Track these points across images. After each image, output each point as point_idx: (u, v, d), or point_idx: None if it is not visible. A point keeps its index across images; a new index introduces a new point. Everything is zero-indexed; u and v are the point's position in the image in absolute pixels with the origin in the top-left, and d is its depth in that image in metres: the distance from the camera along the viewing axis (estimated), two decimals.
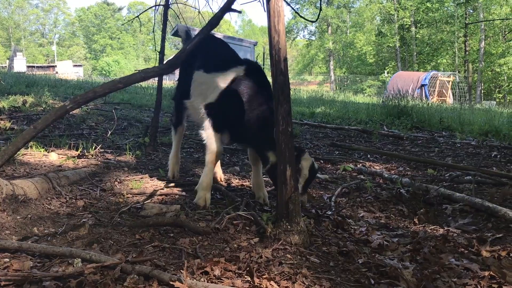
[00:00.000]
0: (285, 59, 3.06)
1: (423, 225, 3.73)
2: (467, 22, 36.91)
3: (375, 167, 6.22)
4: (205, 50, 4.08)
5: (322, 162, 6.48)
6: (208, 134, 3.75)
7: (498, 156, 7.08)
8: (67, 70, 45.16)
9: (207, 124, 3.75)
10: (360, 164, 6.20)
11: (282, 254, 2.78)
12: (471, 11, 40.06)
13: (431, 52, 42.73)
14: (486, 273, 2.65)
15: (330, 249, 3.00)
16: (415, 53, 44.15)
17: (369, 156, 7.09)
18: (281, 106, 3.04)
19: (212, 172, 3.82)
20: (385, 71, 42.05)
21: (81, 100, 2.97)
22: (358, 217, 3.83)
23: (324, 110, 14.59)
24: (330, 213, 3.79)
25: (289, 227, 2.99)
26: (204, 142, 3.80)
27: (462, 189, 4.68)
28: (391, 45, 41.41)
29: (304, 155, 3.63)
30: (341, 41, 44.70)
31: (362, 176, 5.46)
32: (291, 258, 2.73)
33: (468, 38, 39.99)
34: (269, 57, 3.10)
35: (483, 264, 2.81)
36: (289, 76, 3.30)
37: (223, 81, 3.76)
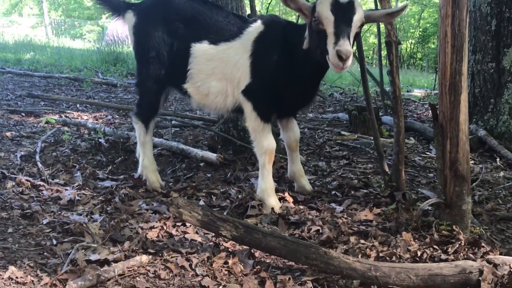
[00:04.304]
0: None
1: (121, 172, 3.73)
2: None
3: (83, 117, 5.93)
4: (193, 15, 3.13)
5: (24, 115, 5.84)
6: (255, 125, 2.96)
7: None
8: None
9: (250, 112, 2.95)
10: (66, 115, 5.82)
11: None
12: None
13: None
14: (171, 214, 2.81)
15: (12, 214, 2.70)
16: None
17: (78, 106, 6.72)
18: None
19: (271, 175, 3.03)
20: (104, 16, 40.46)
21: None
22: (54, 175, 3.56)
23: (34, 57, 13.19)
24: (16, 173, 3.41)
25: None
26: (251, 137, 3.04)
27: (163, 134, 4.87)
28: None
29: None
30: None
31: (67, 128, 5.13)
32: None
33: None
34: None
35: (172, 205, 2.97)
36: None
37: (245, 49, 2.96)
